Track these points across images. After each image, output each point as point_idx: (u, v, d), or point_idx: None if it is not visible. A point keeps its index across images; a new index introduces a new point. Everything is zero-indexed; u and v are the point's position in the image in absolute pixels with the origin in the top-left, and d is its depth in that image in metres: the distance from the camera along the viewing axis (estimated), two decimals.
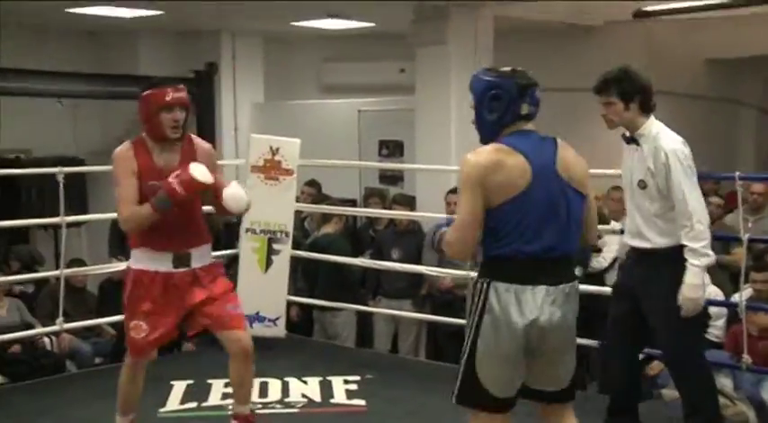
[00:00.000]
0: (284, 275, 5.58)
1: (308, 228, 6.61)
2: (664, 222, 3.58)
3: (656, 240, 3.61)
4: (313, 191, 6.73)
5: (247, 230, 5.55)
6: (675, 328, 3.60)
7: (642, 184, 3.60)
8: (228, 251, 5.88)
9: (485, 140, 2.81)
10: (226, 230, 6.41)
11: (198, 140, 3.66)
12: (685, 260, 3.51)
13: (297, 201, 5.86)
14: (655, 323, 3.67)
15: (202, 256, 3.62)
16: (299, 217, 6.45)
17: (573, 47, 8.26)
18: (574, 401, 2.88)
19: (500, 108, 2.76)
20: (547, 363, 2.76)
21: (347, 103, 8.30)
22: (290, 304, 5.81)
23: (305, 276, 6.18)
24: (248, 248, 5.57)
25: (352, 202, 7.46)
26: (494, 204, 2.69)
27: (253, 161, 5.53)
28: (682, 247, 3.52)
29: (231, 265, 5.95)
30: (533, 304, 2.67)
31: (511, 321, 2.66)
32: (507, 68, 2.82)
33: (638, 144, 3.62)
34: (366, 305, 6.13)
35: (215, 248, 5.90)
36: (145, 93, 3.49)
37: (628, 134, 3.66)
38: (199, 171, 3.40)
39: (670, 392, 4.43)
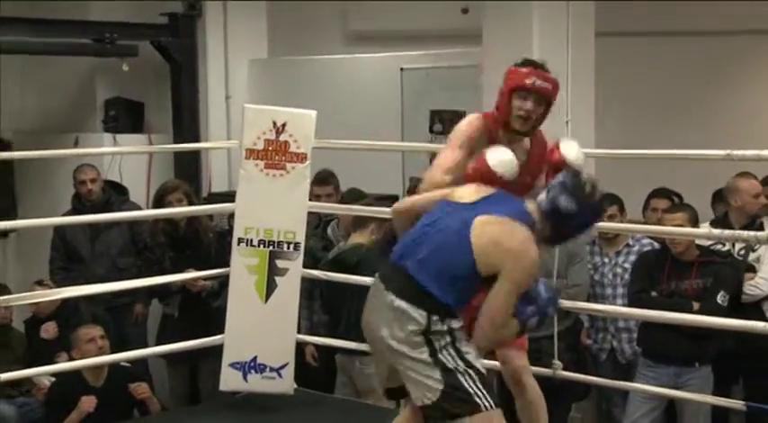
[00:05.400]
0: (293, 305, 5.62)
1: (333, 237, 6.59)
2: None
3: None
4: (329, 188, 6.68)
5: (240, 241, 5.54)
6: None
7: None
8: (217, 271, 5.91)
9: None
10: (218, 242, 6.51)
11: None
12: None
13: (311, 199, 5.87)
14: None
15: None
16: (319, 221, 6.52)
17: None
18: None
19: None
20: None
21: (385, 59, 8.28)
22: (301, 346, 5.88)
23: (325, 306, 6.24)
24: (241, 267, 5.59)
25: (394, 200, 7.33)
26: None
27: (248, 143, 5.53)
28: None
29: (221, 291, 6.13)
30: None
31: None
32: None
33: None
34: None
35: (204, 266, 6.10)
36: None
37: None
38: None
39: None
